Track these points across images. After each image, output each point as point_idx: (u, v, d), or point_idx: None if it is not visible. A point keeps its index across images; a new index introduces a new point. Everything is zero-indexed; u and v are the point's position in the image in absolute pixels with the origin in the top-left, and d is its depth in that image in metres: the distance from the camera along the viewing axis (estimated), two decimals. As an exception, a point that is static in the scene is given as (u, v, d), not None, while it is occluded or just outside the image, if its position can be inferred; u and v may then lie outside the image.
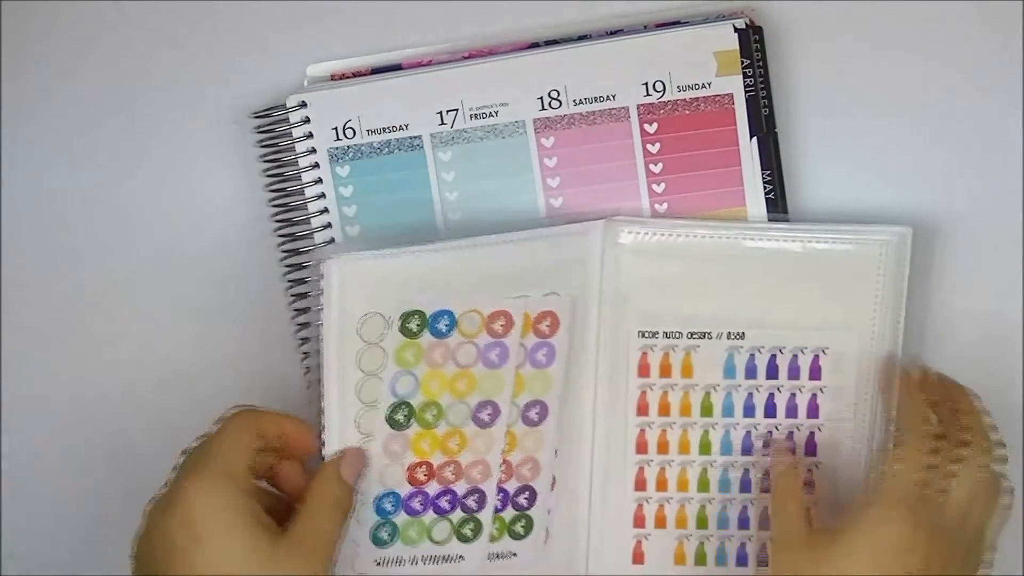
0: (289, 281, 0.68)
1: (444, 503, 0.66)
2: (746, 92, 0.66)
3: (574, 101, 0.66)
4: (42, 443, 0.71)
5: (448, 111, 0.66)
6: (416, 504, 0.65)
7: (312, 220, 0.67)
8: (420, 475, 0.65)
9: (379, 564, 0.65)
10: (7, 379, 0.70)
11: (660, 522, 0.67)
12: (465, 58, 0.67)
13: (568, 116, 0.66)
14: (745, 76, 0.66)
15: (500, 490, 0.66)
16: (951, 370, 0.64)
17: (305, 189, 0.67)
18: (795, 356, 0.66)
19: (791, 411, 0.66)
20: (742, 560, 0.67)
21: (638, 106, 0.66)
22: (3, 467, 0.71)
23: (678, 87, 0.66)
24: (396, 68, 0.67)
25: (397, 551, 0.66)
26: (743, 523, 0.67)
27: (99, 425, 0.71)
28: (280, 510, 0.61)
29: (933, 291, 0.68)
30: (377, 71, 0.67)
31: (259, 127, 0.67)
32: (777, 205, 0.67)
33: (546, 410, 0.66)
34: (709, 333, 0.66)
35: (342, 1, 0.68)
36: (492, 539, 0.66)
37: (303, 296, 0.68)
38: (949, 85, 0.67)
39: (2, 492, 0.71)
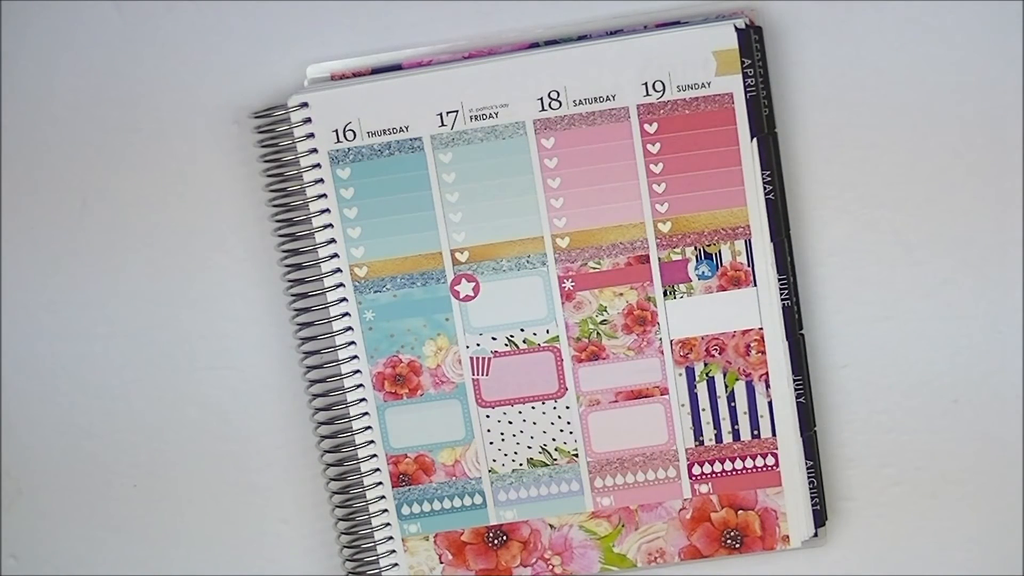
0: (289, 281, 0.68)
1: None
2: (746, 92, 0.66)
3: (574, 101, 0.66)
4: (43, 443, 0.71)
5: (448, 113, 0.66)
6: None
7: (313, 220, 0.67)
8: None
9: None
10: (7, 378, 0.70)
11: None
12: (465, 58, 0.67)
13: (568, 117, 0.66)
14: (745, 76, 0.66)
15: None
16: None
17: (306, 190, 0.67)
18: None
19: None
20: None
21: (638, 106, 0.66)
22: (3, 467, 0.71)
23: (678, 87, 0.66)
24: (396, 68, 0.67)
25: None
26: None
27: (100, 424, 0.71)
28: None
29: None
30: (377, 71, 0.67)
31: (259, 127, 0.67)
32: (777, 205, 0.67)
33: None
34: None
35: (342, 1, 0.67)
36: None
37: (303, 296, 0.68)
38: (949, 83, 0.67)
39: (2, 492, 0.71)
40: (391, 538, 0.69)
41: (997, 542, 0.69)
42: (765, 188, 0.66)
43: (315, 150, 0.67)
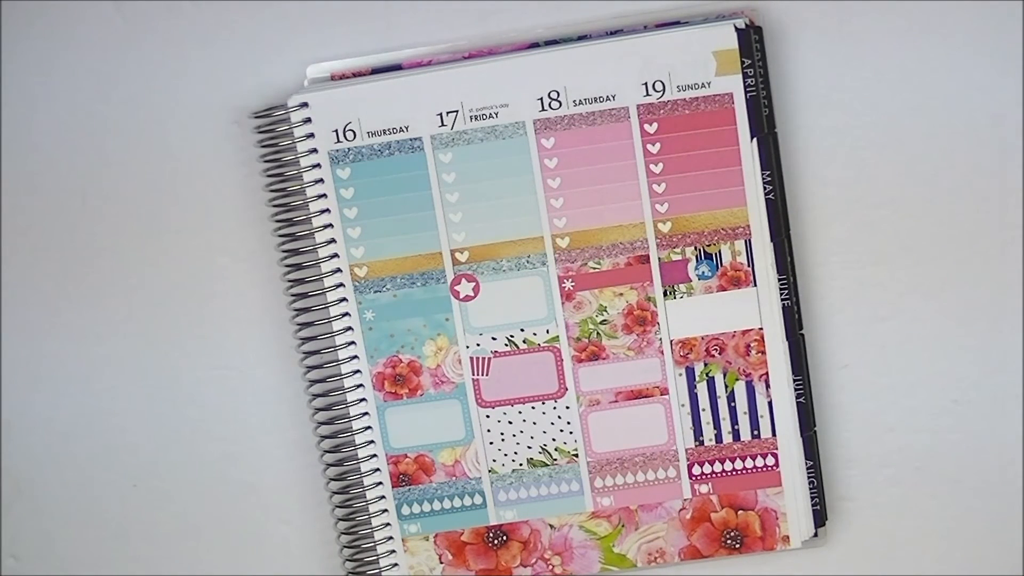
0: (289, 281, 0.68)
1: None
2: (746, 92, 0.66)
3: (574, 101, 0.66)
4: (43, 443, 0.71)
5: (448, 113, 0.66)
6: None
7: (313, 220, 0.67)
8: None
9: None
10: (7, 378, 0.70)
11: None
12: (465, 58, 0.67)
13: (568, 117, 0.66)
14: (745, 76, 0.66)
15: None
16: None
17: (306, 190, 0.67)
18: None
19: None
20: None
21: (638, 106, 0.66)
22: (3, 467, 0.71)
23: (678, 87, 0.66)
24: (396, 68, 0.67)
25: None
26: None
27: (100, 424, 0.71)
28: None
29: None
30: (377, 71, 0.67)
31: (259, 127, 0.67)
32: (777, 205, 0.67)
33: None
34: None
35: (342, 1, 0.67)
36: None
37: (303, 296, 0.68)
38: (949, 83, 0.67)
39: (2, 492, 0.71)
40: (391, 538, 0.70)
41: (997, 542, 0.69)
42: (765, 188, 0.66)
43: (315, 150, 0.67)
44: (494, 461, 0.69)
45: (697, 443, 0.68)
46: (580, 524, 0.69)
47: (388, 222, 0.67)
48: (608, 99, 0.66)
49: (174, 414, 0.70)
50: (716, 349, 0.68)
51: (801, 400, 0.68)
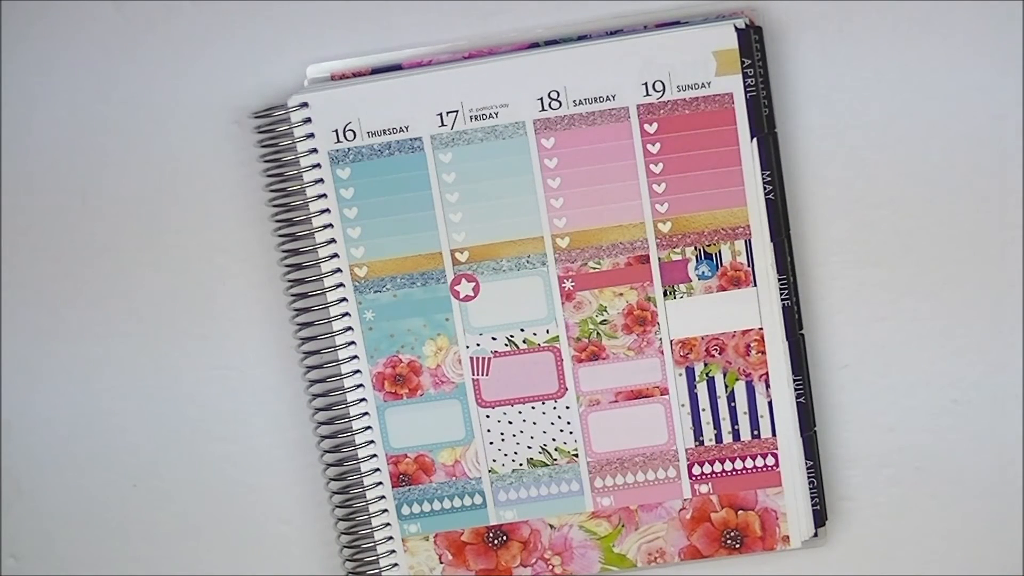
0: (289, 281, 0.68)
1: None
2: (746, 92, 0.66)
3: (574, 101, 0.66)
4: (43, 443, 0.71)
5: (448, 113, 0.66)
6: None
7: (313, 220, 0.67)
8: None
9: None
10: (7, 378, 0.70)
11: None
12: (465, 58, 0.67)
13: (568, 117, 0.66)
14: (745, 76, 0.66)
15: None
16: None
17: (306, 190, 0.67)
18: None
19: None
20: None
21: (638, 106, 0.66)
22: (3, 467, 0.71)
23: (678, 87, 0.66)
24: (396, 68, 0.67)
25: None
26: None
27: (100, 424, 0.71)
28: None
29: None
30: (377, 71, 0.67)
31: (259, 127, 0.67)
32: (777, 205, 0.67)
33: None
34: None
35: (342, 1, 0.67)
36: None
37: (303, 296, 0.68)
38: (949, 83, 0.67)
39: (2, 492, 0.71)
40: (391, 538, 0.70)
41: (997, 542, 0.69)
42: (765, 188, 0.66)
43: (315, 150, 0.67)
44: (494, 461, 0.69)
45: (697, 443, 0.68)
46: (580, 524, 0.69)
47: (388, 222, 0.67)
48: (608, 99, 0.66)
49: (174, 414, 0.70)
50: (716, 349, 0.68)
51: (801, 400, 0.68)
